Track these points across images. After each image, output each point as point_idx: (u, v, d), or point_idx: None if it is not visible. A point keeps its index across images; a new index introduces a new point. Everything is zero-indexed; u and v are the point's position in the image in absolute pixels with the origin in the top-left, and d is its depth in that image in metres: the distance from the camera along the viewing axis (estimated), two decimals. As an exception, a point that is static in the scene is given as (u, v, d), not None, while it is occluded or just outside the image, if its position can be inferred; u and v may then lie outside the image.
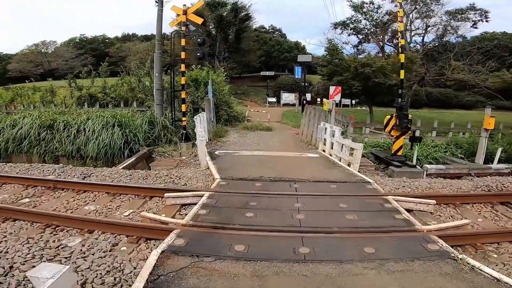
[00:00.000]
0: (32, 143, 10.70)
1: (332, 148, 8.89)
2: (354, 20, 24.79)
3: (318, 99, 38.48)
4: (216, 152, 9.20)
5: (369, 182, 6.34)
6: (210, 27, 38.14)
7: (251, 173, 6.68)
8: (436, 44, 23.19)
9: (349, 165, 7.73)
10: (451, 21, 23.24)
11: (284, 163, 7.88)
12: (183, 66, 9.92)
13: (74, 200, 5.97)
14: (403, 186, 6.68)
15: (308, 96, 27.25)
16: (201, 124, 10.20)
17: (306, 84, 36.65)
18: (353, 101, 37.70)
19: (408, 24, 22.17)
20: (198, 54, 10.04)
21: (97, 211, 5.40)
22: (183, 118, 10.02)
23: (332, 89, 10.36)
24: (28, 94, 16.06)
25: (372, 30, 22.97)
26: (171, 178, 6.97)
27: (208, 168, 7.47)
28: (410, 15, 22.91)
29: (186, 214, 4.99)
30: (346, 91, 18.25)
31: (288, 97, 36.21)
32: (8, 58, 58.39)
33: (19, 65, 53.20)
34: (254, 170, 6.96)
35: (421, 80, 20.80)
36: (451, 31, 23.24)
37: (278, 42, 59.52)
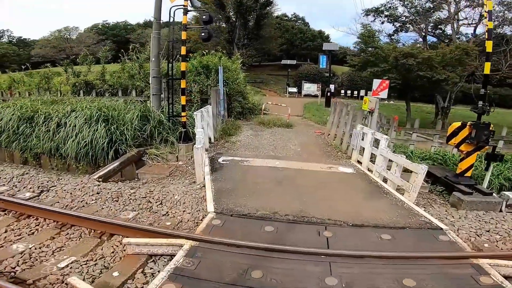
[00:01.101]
0: (11, 138, 9.14)
1: (370, 159, 6.70)
2: (389, 7, 21.77)
3: (342, 91, 35.96)
4: (221, 160, 7.20)
5: (440, 228, 4.15)
6: (230, 12, 35.83)
7: (261, 203, 4.64)
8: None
9: (397, 189, 5.53)
10: (505, 12, 19.71)
11: (308, 183, 5.76)
12: (183, 48, 7.90)
13: (6, 231, 4.19)
14: (487, 231, 4.47)
15: (332, 87, 24.72)
16: (203, 122, 8.20)
17: (330, 74, 33.98)
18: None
19: (456, 13, 18.92)
20: (203, 34, 7.98)
21: (24, 255, 3.59)
22: (183, 113, 8.06)
23: (376, 83, 7.96)
24: (24, 80, 14.66)
25: (411, 17, 19.84)
26: (150, 202, 5.04)
27: (204, 186, 5.49)
28: (459, 3, 19.60)
29: (152, 275, 3.14)
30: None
31: (310, 87, 33.62)
32: (33, 44, 58.91)
33: (41, 50, 53.34)
34: (265, 197, 4.92)
35: (471, 76, 17.76)
36: (506, 22, 19.75)
37: (301, 30, 56.52)
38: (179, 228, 4.28)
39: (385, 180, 6.06)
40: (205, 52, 13.98)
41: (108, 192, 5.42)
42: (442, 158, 7.80)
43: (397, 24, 19.70)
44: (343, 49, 28.28)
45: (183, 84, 7.98)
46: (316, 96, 31.68)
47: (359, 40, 17.29)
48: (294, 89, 33.60)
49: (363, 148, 6.98)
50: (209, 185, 5.37)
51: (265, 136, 10.51)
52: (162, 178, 6.97)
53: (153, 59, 8.77)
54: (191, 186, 5.90)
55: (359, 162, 7.30)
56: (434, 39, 22.15)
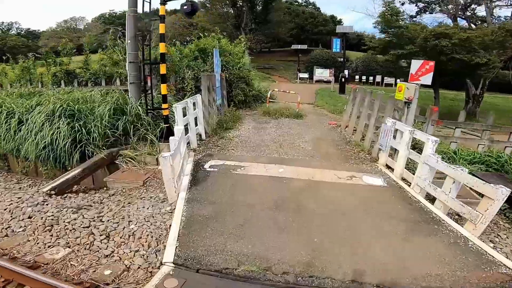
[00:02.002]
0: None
1: (405, 164, 4.98)
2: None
3: (357, 77, 33.51)
4: (208, 166, 5.61)
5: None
6: (235, -5, 33.67)
7: (248, 246, 3.04)
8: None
9: (449, 213, 3.83)
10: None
11: (323, 207, 4.10)
12: (161, 26, 6.25)
13: None
14: None
15: (346, 73, 22.62)
16: (189, 116, 6.61)
17: (344, 59, 31.55)
18: (398, 80, 32.14)
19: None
20: (185, 7, 6.28)
21: None
22: (164, 106, 6.47)
23: (416, 64, 5.91)
24: (5, 72, 13.34)
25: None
26: (93, 234, 3.52)
27: (176, 208, 3.93)
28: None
29: None
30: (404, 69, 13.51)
31: (322, 73, 31.38)
32: (40, 35, 58.41)
33: (49, 41, 52.72)
34: (257, 234, 3.31)
35: (509, 61, 15.33)
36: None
37: (312, 14, 53.45)
38: (121, 282, 2.78)
39: (429, 196, 4.35)
40: (201, 35, 12.30)
41: (42, 217, 3.93)
42: (497, 161, 5.97)
43: (421, 5, 17.19)
44: (357, 34, 25.73)
45: (162, 69, 6.35)
46: (328, 82, 29.50)
47: (380, 20, 15.03)
48: (306, 75, 31.42)
49: (396, 150, 5.25)
50: (180, 209, 3.81)
51: (269, 130, 8.85)
52: (133, 189, 5.45)
53: (129, 41, 7.11)
54: (162, 205, 4.34)
55: (388, 167, 5.59)
56: (463, 22, 19.58)
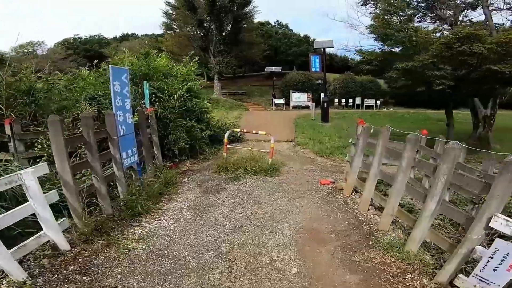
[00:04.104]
0: None
1: None
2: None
3: (336, 100, 30.56)
4: None
5: None
6: (201, 13, 30.40)
7: None
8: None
9: None
10: None
11: None
12: None
13: None
14: None
15: (323, 95, 19.46)
16: None
17: (320, 81, 28.60)
18: (378, 102, 29.48)
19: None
20: None
21: None
22: None
23: None
24: None
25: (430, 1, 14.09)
26: None
27: None
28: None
29: None
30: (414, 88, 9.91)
31: (299, 97, 28.45)
32: (-8, 60, 52.77)
33: (0, 67, 47.32)
34: None
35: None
36: None
37: (285, 35, 51.85)
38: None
39: None
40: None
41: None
42: None
43: (409, 11, 14.18)
44: (330, 54, 22.69)
45: None
46: (307, 107, 26.40)
47: (372, 34, 11.61)
48: (281, 101, 28.21)
49: None
50: None
51: (220, 211, 4.85)
52: None
53: None
54: None
55: None
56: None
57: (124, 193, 4.78)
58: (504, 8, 11.25)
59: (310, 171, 7.34)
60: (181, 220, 4.53)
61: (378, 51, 11.28)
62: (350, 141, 5.96)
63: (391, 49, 10.63)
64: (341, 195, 5.62)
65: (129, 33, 68.94)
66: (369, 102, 29.60)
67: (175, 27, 35.32)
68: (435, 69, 9.18)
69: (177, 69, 8.78)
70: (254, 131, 7.33)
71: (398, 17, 10.22)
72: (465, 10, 14.43)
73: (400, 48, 9.80)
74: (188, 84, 8.01)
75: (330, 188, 5.98)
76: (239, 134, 8.74)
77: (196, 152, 8.21)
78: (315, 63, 18.59)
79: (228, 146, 7.73)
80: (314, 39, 39.24)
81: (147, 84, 6.84)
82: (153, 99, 6.99)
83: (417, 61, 8.85)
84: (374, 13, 11.51)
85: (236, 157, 7.40)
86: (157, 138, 6.72)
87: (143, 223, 4.37)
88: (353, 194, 5.59)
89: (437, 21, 14.83)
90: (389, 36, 9.82)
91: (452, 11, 12.21)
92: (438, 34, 10.75)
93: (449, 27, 13.81)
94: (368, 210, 4.87)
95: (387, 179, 4.37)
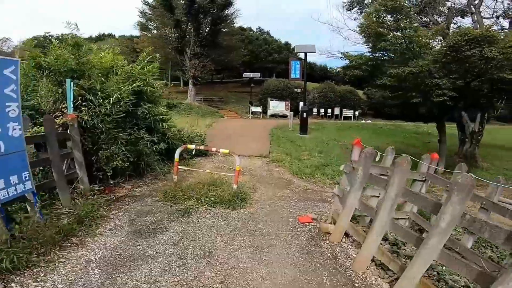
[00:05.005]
0: None
1: None
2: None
3: (315, 109, 29.56)
4: None
5: None
6: (179, 14, 28.49)
7: None
8: None
9: None
10: None
11: None
12: None
13: None
14: None
15: (301, 105, 18.22)
16: None
17: (300, 89, 27.47)
18: (356, 113, 28.75)
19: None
20: None
21: None
22: None
23: None
24: None
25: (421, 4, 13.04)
26: None
27: None
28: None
29: None
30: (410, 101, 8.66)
31: (277, 106, 27.20)
32: None
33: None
34: None
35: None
36: None
37: (266, 41, 50.82)
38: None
39: None
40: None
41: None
42: None
43: (399, 16, 13.16)
44: (310, 63, 21.65)
45: None
46: (285, 116, 25.14)
47: (360, 35, 10.33)
48: (259, 108, 26.80)
49: None
50: None
51: (144, 271, 3.19)
52: None
53: None
54: None
55: None
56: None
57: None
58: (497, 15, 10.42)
59: (286, 199, 5.78)
60: (79, 284, 2.79)
61: (368, 55, 10.00)
62: (341, 168, 4.45)
63: (384, 53, 9.33)
64: (327, 242, 4.08)
65: (106, 33, 65.93)
66: (348, 113, 28.88)
67: (151, 27, 33.29)
68: (437, 76, 7.94)
69: (129, 67, 6.97)
70: (214, 149, 5.64)
71: (395, 15, 8.99)
72: (454, 18, 13.64)
73: (394, 51, 8.54)
74: (134, 84, 6.24)
75: (312, 230, 4.44)
76: (193, 152, 7.01)
77: (142, 171, 6.44)
78: (295, 69, 17.29)
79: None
80: (295, 46, 38.52)
81: (72, 83, 5.06)
82: (79, 102, 5.18)
83: (415, 67, 7.56)
84: (365, 12, 10.26)
85: (190, 181, 5.70)
86: (80, 154, 4.94)
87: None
88: (344, 240, 4.07)
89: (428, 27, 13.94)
90: (382, 37, 8.53)
91: (444, 17, 11.22)
92: (439, 38, 9.64)
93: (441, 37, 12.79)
94: (367, 268, 3.35)
95: (408, 239, 2.85)
